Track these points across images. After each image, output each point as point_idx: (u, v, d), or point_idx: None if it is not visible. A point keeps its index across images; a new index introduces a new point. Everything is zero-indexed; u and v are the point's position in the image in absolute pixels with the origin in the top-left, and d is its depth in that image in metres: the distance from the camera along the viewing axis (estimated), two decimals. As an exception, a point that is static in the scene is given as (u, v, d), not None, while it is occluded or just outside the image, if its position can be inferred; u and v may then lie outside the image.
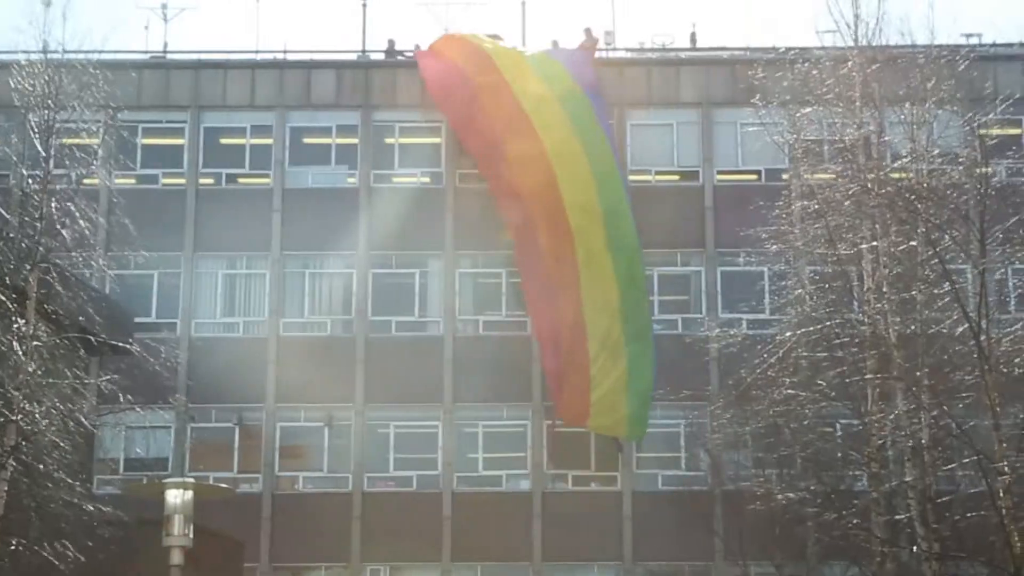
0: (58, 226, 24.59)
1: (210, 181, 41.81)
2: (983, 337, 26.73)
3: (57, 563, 22.62)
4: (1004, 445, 26.53)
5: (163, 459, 38.29)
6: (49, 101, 26.09)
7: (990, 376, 26.66)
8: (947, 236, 28.19)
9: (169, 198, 41.19)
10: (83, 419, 24.04)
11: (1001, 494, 26.01)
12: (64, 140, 26.73)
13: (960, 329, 28.70)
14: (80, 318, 23.99)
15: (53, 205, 24.80)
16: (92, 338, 24.16)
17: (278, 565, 39.10)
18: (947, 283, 28.48)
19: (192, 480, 20.82)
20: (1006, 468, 26.18)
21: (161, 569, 19.91)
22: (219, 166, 41.86)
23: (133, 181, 40.32)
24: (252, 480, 39.42)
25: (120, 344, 25.71)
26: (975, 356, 27.28)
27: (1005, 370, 27.74)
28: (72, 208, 24.54)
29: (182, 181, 41.67)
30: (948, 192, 29.17)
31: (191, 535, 19.85)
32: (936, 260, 28.64)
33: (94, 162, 27.18)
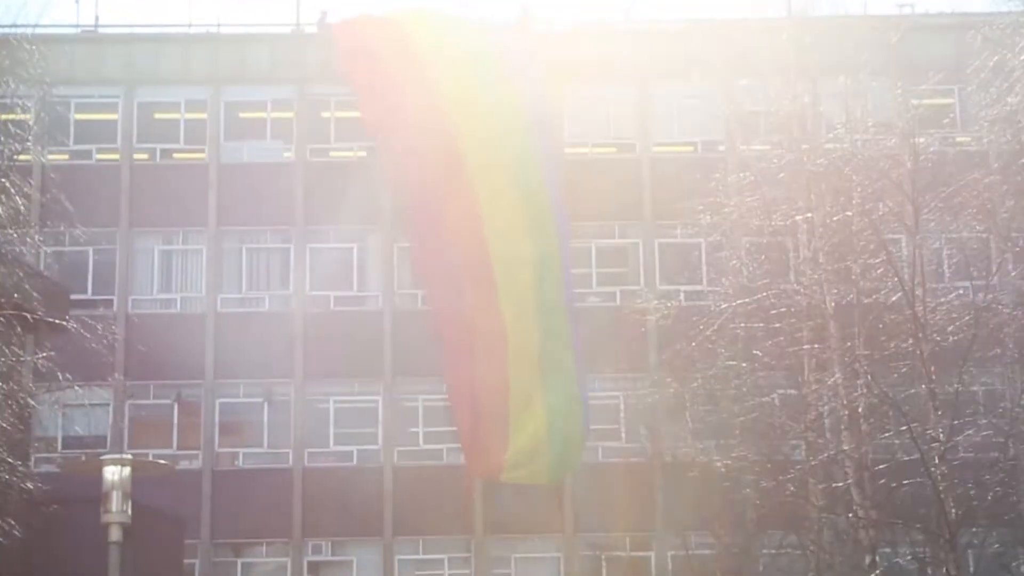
0: (-7, 203, 24.31)
1: (145, 156, 41.51)
2: (918, 306, 27.02)
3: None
4: (939, 413, 26.85)
5: (102, 437, 38.09)
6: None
7: (925, 345, 26.98)
8: (881, 206, 28.44)
9: (104, 174, 40.87)
10: (20, 397, 23.84)
11: (936, 461, 26.34)
12: (-1, 116, 26.41)
13: (895, 298, 28.99)
14: (15, 295, 23.73)
15: (-12, 181, 24.51)
16: (28, 315, 23.90)
17: (219, 541, 39.03)
18: (882, 253, 28.74)
19: (130, 457, 20.69)
20: (940, 436, 26.50)
21: (100, 546, 19.80)
22: (154, 141, 41.58)
23: (67, 157, 39.93)
24: (192, 457, 39.29)
25: (56, 321, 25.46)
26: (910, 325, 27.59)
27: (939, 339, 28.06)
28: (6, 184, 24.24)
29: (116, 157, 41.36)
30: (882, 163, 29.39)
31: (130, 512, 19.74)
32: (871, 230, 28.88)
33: (28, 138, 26.86)
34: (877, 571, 28.94)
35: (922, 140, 28.92)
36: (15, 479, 22.97)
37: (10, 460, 22.55)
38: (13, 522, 22.62)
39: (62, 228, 27.18)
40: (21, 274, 24.03)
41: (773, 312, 31.32)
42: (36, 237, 27.79)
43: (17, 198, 24.28)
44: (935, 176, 29.11)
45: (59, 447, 37.13)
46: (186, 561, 36.95)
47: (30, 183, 25.75)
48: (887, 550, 30.57)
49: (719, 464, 31.77)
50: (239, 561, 39.25)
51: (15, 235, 25.63)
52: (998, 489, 27.02)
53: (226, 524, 38.84)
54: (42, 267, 35.61)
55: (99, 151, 41.40)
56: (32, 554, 26.01)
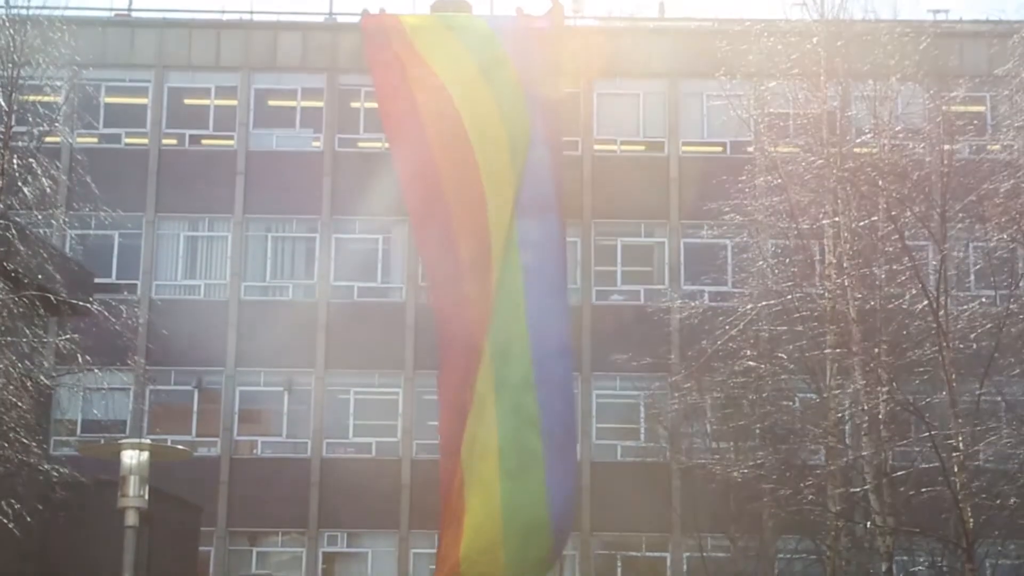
0: (19, 183, 24.37)
1: (173, 142, 41.59)
2: (941, 313, 26.88)
3: (7, 523, 22.50)
4: (959, 421, 26.70)
5: (121, 421, 38.14)
6: (13, 56, 25.79)
7: (947, 352, 26.82)
8: (908, 212, 28.29)
9: (132, 158, 40.96)
10: (41, 378, 23.89)
11: (956, 470, 26.19)
12: (27, 96, 26.48)
13: (919, 305, 28.84)
14: (39, 276, 23.78)
15: (14, 162, 24.57)
16: (51, 297, 23.94)
17: (235, 530, 39.08)
18: (907, 259, 28.59)
19: (148, 442, 20.70)
20: (960, 444, 26.35)
21: (117, 531, 19.83)
22: (183, 127, 41.64)
23: (96, 140, 40.08)
24: (211, 444, 39.37)
25: (80, 303, 25.50)
26: (933, 332, 27.44)
27: (962, 346, 27.92)
28: (33, 165, 24.28)
29: (145, 141, 41.44)
30: (910, 168, 29.25)
31: (147, 497, 19.76)
32: (897, 236, 28.75)
33: (57, 119, 26.93)
34: (893, 578, 28.83)
35: (952, 147, 28.76)
36: (32, 461, 23.00)
37: (25, 441, 22.58)
38: (24, 504, 22.65)
39: (88, 211, 27.18)
40: (45, 256, 24.08)
41: (797, 315, 31.23)
42: (62, 219, 27.87)
43: (44, 180, 24.34)
44: (963, 183, 28.94)
45: (79, 431, 37.24)
46: (201, 548, 37.13)
47: (57, 165, 25.79)
48: (904, 558, 30.48)
49: (737, 472, 31.62)
50: (254, 550, 39.30)
51: (40, 217, 25.70)
52: (1014, 501, 26.85)
53: (242, 513, 38.89)
54: (67, 250, 35.73)
55: (128, 135, 41.49)
56: (48, 536, 26.10)
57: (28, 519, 22.81)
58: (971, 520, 25.85)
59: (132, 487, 19.61)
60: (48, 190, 25.16)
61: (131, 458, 19.73)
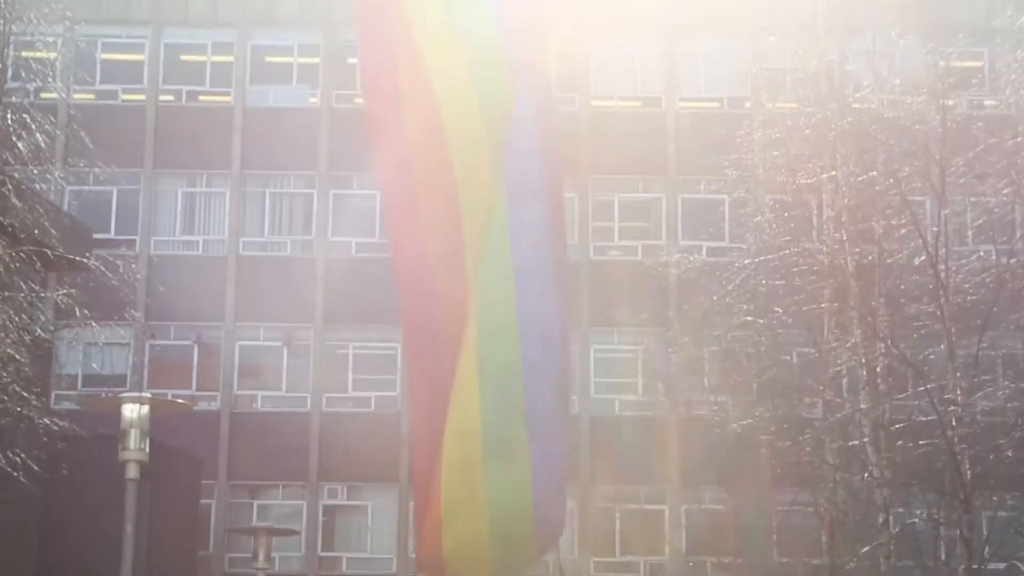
0: (14, 138, 24.29)
1: (170, 98, 41.51)
2: (940, 267, 26.92)
3: (14, 472, 22.59)
4: (958, 375, 26.78)
5: (121, 376, 38.24)
6: (5, 11, 25.65)
7: (947, 306, 26.87)
8: (907, 167, 28.28)
9: (128, 114, 40.88)
10: (40, 332, 23.91)
11: (953, 423, 26.30)
12: (21, 53, 26.35)
13: (918, 260, 28.88)
14: (36, 232, 23.76)
15: (9, 117, 24.49)
16: (49, 252, 23.93)
17: (236, 483, 39.25)
18: (906, 214, 28.60)
19: (148, 395, 20.75)
20: (958, 398, 26.44)
21: (118, 485, 19.90)
22: (180, 83, 41.56)
23: (92, 96, 40.00)
24: (210, 398, 39.50)
25: (77, 259, 25.49)
26: (932, 286, 27.49)
27: (960, 301, 27.96)
28: (28, 120, 24.19)
29: (142, 97, 41.37)
30: (909, 123, 29.20)
31: (147, 450, 19.83)
32: (895, 191, 28.74)
33: (51, 75, 26.81)
34: (891, 531, 28.96)
35: (950, 102, 28.70)
36: (32, 414, 23.06)
37: (25, 394, 22.63)
38: (24, 456, 22.73)
39: (83, 166, 27.13)
40: (42, 211, 24.05)
41: (794, 270, 31.25)
42: (58, 175, 27.80)
43: (38, 135, 24.25)
44: (962, 138, 28.91)
45: (79, 385, 37.34)
46: (202, 501, 37.33)
47: (52, 120, 25.68)
48: (901, 510, 30.57)
49: (736, 424, 31.72)
50: (255, 503, 39.47)
51: (36, 173, 25.64)
52: (1009, 454, 26.95)
53: (243, 466, 39.06)
54: (64, 206, 35.70)
55: (125, 91, 41.41)
56: (50, 490, 26.22)
57: (34, 467, 22.89)
58: (968, 473, 25.97)
59: (133, 440, 19.67)
60: (43, 145, 25.06)
61: (131, 411, 19.78)
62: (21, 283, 23.24)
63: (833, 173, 30.87)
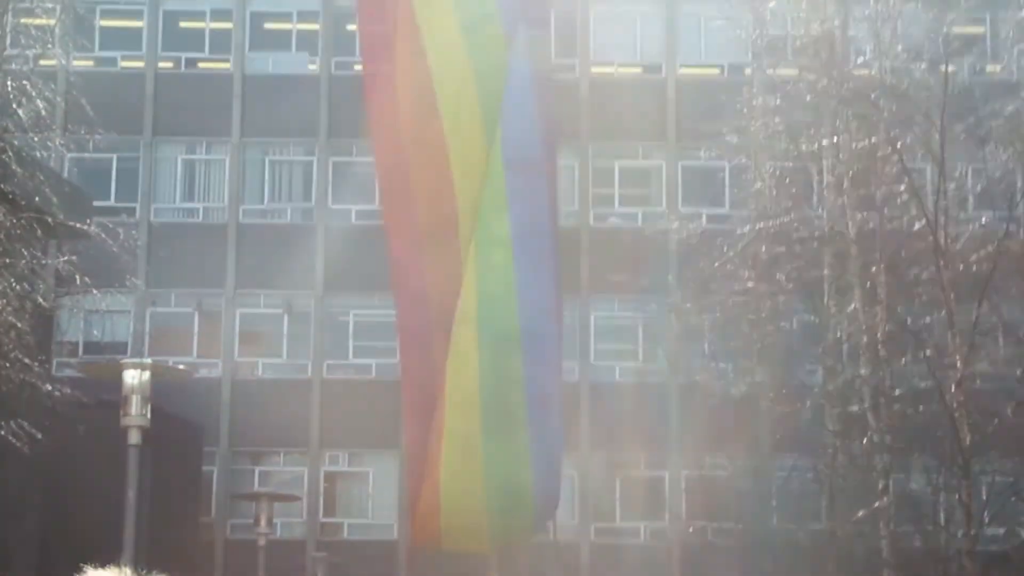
0: (14, 105, 24.26)
1: (169, 65, 41.40)
2: (940, 234, 26.92)
3: (15, 441, 22.66)
4: (958, 341, 26.82)
5: (122, 343, 38.25)
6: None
7: (946, 272, 26.90)
8: (908, 134, 28.26)
9: (128, 81, 40.78)
10: (40, 299, 23.94)
11: (952, 389, 26.36)
12: (20, 19, 26.28)
13: (918, 226, 28.87)
14: (36, 199, 23.77)
15: (8, 84, 24.46)
16: (49, 219, 23.93)
17: (237, 450, 39.33)
18: (906, 180, 28.59)
19: (149, 362, 20.79)
20: (957, 364, 26.50)
21: (120, 451, 19.96)
22: (179, 50, 41.44)
23: (91, 63, 39.86)
24: (212, 365, 39.50)
25: (77, 225, 25.49)
26: (932, 253, 27.50)
27: (961, 267, 27.98)
28: (28, 87, 24.16)
29: (141, 64, 41.26)
30: (910, 90, 29.16)
31: (148, 416, 19.88)
32: (896, 157, 28.72)
33: (51, 42, 26.75)
34: (890, 496, 29.04)
35: (952, 68, 28.65)
36: (34, 381, 23.10)
37: (26, 361, 22.66)
38: (26, 423, 22.79)
39: (83, 133, 27.11)
40: (42, 178, 24.06)
41: (795, 236, 31.25)
42: (58, 142, 27.77)
43: (38, 102, 24.22)
44: (963, 105, 28.87)
45: (80, 352, 37.38)
46: (204, 468, 37.42)
47: (52, 87, 25.64)
48: (900, 476, 30.65)
49: (736, 390, 31.77)
50: (256, 469, 39.56)
51: (36, 140, 25.62)
52: (1002, 418, 27.03)
53: (244, 433, 39.12)
54: (65, 173, 35.67)
55: (124, 58, 41.30)
56: (51, 456, 26.29)
57: (37, 435, 22.95)
58: (967, 438, 26.04)
59: (134, 406, 19.72)
60: (43, 112, 25.03)
61: (133, 377, 19.84)
62: (22, 250, 23.26)
63: (834, 139, 30.85)
